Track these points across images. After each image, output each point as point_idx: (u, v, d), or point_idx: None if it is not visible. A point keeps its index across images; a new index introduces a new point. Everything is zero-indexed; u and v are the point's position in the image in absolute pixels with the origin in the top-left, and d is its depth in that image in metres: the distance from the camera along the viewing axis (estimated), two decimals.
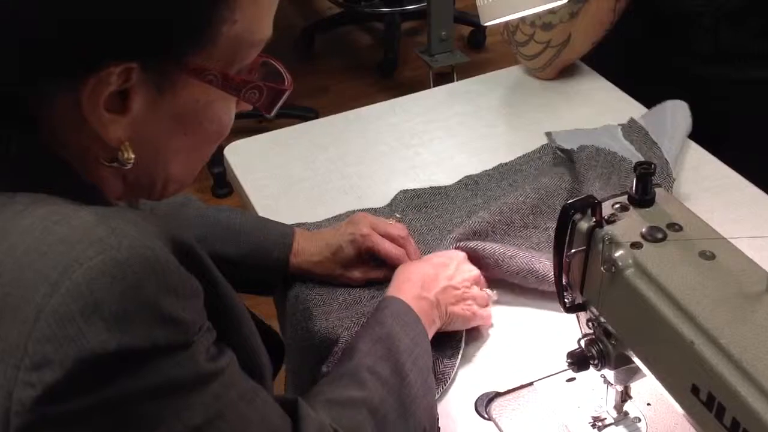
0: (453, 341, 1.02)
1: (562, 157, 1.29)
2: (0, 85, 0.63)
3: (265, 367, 0.76)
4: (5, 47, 0.61)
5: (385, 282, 1.05)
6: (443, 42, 3.17)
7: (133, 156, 0.67)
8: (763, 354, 0.63)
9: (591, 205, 0.76)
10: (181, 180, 0.74)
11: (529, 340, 1.04)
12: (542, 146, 1.35)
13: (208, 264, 0.68)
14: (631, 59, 1.56)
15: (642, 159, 1.25)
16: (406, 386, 0.84)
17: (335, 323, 1.04)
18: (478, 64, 3.26)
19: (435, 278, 0.99)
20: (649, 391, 0.94)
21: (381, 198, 1.30)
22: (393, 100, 1.55)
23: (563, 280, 0.81)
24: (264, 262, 1.08)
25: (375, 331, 0.89)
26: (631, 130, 1.34)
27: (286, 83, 0.71)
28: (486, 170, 1.31)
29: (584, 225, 0.78)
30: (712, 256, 0.72)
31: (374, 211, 1.24)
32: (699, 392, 0.67)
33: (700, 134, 1.35)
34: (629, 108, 1.47)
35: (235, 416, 0.64)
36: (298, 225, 1.17)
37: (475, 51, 3.53)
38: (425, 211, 1.23)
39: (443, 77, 3.12)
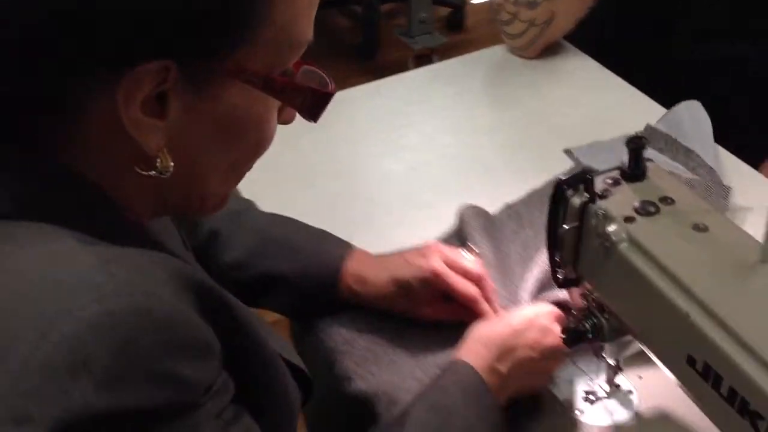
0: None
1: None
2: (30, 89, 0.59)
3: (294, 405, 0.72)
4: (33, 47, 0.56)
5: (452, 328, 0.97)
6: (423, 24, 3.17)
7: (172, 164, 0.62)
8: (759, 323, 0.64)
9: (584, 181, 0.77)
10: (218, 196, 0.69)
11: None
12: (571, 168, 1.28)
13: (230, 303, 0.63)
14: (613, 37, 1.56)
15: (691, 174, 1.21)
16: None
17: (375, 387, 0.94)
18: (458, 45, 3.26)
19: (513, 348, 0.88)
20: (641, 364, 0.95)
21: (372, 180, 1.30)
22: (376, 82, 1.54)
23: (556, 256, 0.81)
24: (315, 282, 0.99)
25: (435, 398, 0.82)
26: (654, 137, 1.29)
27: (329, 87, 0.66)
28: (521, 197, 1.22)
29: (577, 201, 0.78)
30: (705, 229, 0.73)
31: (447, 239, 1.14)
32: (695, 363, 0.67)
33: None
34: (613, 85, 1.48)
35: None
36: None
37: (454, 32, 3.53)
38: (488, 235, 1.12)
39: (423, 59, 3.13)
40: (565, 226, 0.79)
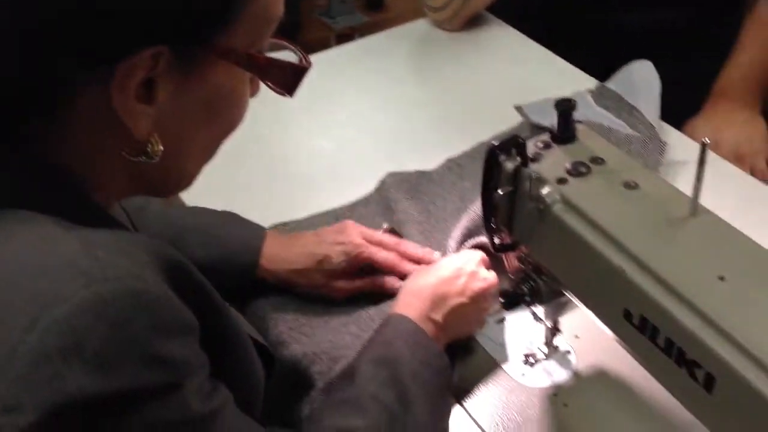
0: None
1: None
2: (20, 80, 0.59)
3: (261, 382, 0.74)
4: (29, 38, 0.57)
5: (370, 296, 1.01)
6: (343, 3, 3.16)
7: (161, 148, 0.63)
8: (692, 274, 0.66)
9: (516, 145, 0.77)
10: (192, 175, 0.71)
11: None
12: (520, 123, 1.32)
13: (204, 285, 0.64)
14: (536, 8, 1.58)
15: (630, 130, 1.25)
16: (411, 414, 0.79)
17: (313, 347, 0.96)
18: (380, 24, 3.25)
19: (445, 296, 0.90)
20: (577, 324, 0.97)
21: (301, 159, 1.29)
22: None
23: (492, 222, 0.82)
24: (231, 268, 0.99)
25: (380, 351, 0.84)
26: (603, 96, 1.34)
27: (304, 61, 0.68)
28: (465, 151, 1.26)
29: (510, 165, 0.79)
30: (636, 186, 0.74)
31: (366, 204, 1.18)
32: (631, 317, 0.69)
33: None
34: (538, 56, 1.50)
35: None
36: (278, 225, 1.12)
37: (374, 12, 3.51)
38: (417, 197, 1.17)
39: (345, 39, 3.11)
40: (499, 191, 0.80)
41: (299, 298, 1.04)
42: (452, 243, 1.04)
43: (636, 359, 0.72)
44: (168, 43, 0.59)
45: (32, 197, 0.59)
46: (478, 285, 0.92)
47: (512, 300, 0.84)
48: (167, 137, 0.64)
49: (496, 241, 0.83)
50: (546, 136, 0.80)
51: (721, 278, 0.65)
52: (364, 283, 1.03)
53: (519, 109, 1.35)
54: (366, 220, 1.14)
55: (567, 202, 0.75)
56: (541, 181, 0.76)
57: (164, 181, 0.69)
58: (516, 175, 0.78)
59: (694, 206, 0.70)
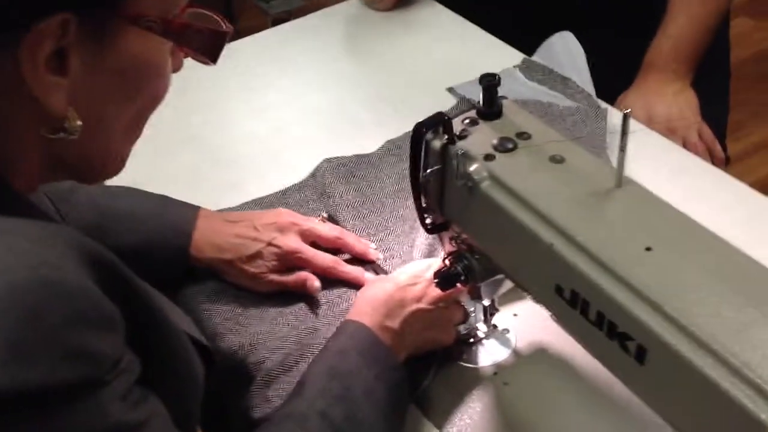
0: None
1: None
2: None
3: (199, 379, 0.71)
4: None
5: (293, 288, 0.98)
6: None
7: (80, 123, 0.60)
8: (619, 246, 0.65)
9: (442, 122, 0.76)
10: (118, 156, 0.68)
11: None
12: (457, 103, 1.30)
13: (132, 280, 0.61)
14: None
15: (569, 101, 1.24)
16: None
17: (248, 337, 0.94)
18: (316, 7, 3.21)
19: (401, 302, 0.87)
20: (514, 303, 0.96)
21: (237, 143, 1.27)
22: (232, 44, 1.48)
23: (423, 202, 0.80)
24: (161, 254, 0.95)
25: (333, 362, 0.81)
26: (531, 69, 1.33)
27: (223, 26, 0.65)
28: (406, 132, 1.22)
29: (437, 143, 0.77)
30: (562, 160, 0.73)
31: (300, 189, 1.15)
32: (563, 292, 0.68)
33: None
34: (469, 34, 1.48)
35: None
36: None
37: None
38: (354, 181, 1.15)
39: (282, 23, 3.07)
40: (427, 170, 0.78)
41: (234, 286, 1.01)
42: (416, 252, 1.02)
43: (569, 334, 0.71)
44: (73, 9, 0.56)
45: None
46: (436, 291, 0.88)
47: (447, 279, 0.82)
48: (85, 112, 0.61)
49: (428, 221, 0.82)
50: (472, 113, 0.79)
51: (648, 249, 0.64)
52: (293, 281, 0.99)
53: (452, 90, 1.34)
54: (300, 207, 1.12)
55: (495, 179, 0.73)
56: (468, 158, 0.75)
57: (88, 163, 0.66)
58: (443, 153, 0.77)
59: (620, 178, 0.69)
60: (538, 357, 0.93)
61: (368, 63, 1.43)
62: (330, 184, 1.14)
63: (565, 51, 1.35)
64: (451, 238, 0.83)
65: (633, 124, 1.19)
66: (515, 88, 1.31)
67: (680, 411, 0.62)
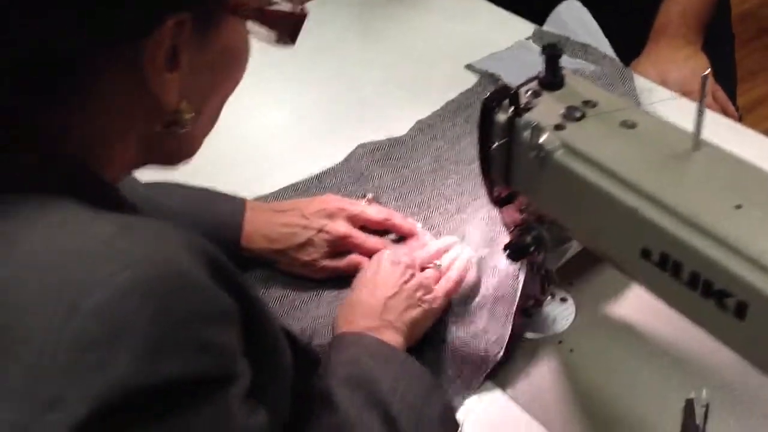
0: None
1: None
2: (40, 63, 0.55)
3: (290, 373, 0.71)
4: (61, 17, 0.54)
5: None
6: None
7: (192, 115, 0.62)
8: (708, 205, 0.65)
9: (508, 96, 0.76)
10: (199, 143, 0.69)
11: None
12: (479, 79, 1.30)
13: (238, 275, 0.61)
14: None
15: (593, 66, 1.25)
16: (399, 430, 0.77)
17: (309, 322, 0.96)
18: None
19: (395, 296, 0.89)
20: (569, 272, 0.97)
21: (259, 133, 1.26)
22: None
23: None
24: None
25: (348, 371, 0.80)
26: (545, 40, 1.32)
27: (300, 10, 0.66)
28: (435, 111, 1.25)
29: (502, 117, 0.77)
30: (634, 125, 0.74)
31: (335, 174, 1.15)
32: (650, 255, 0.68)
33: None
34: (477, 8, 1.48)
35: None
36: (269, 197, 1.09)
37: None
38: (390, 164, 1.15)
39: None
40: (493, 144, 0.78)
41: (283, 272, 1.01)
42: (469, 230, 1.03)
43: (657, 296, 0.72)
44: (191, 10, 0.57)
45: (47, 184, 0.56)
46: (425, 273, 0.92)
47: (518, 250, 0.83)
48: (192, 102, 0.63)
49: (495, 194, 0.82)
50: (534, 85, 0.79)
51: (738, 207, 0.65)
52: (345, 265, 1.00)
53: (470, 67, 1.34)
54: (338, 190, 1.12)
55: (568, 147, 0.74)
56: (538, 129, 0.75)
57: (179, 150, 0.68)
58: (510, 126, 0.77)
59: (697, 140, 0.70)
60: (599, 322, 0.94)
61: (382, 46, 1.42)
62: (367, 167, 1.14)
63: (574, 18, 1.36)
64: (519, 210, 0.83)
65: (664, 92, 1.21)
66: (532, 60, 1.31)
67: None
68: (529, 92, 0.79)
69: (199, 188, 1.01)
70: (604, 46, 1.29)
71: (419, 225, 1.04)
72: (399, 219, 1.03)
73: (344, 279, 0.99)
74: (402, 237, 1.04)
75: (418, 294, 0.91)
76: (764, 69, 2.64)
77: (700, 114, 0.68)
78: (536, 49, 1.33)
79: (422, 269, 0.95)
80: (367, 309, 0.88)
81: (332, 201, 1.01)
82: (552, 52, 0.77)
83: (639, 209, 0.68)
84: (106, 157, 0.61)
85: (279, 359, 0.69)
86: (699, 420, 0.82)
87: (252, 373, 0.60)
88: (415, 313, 0.89)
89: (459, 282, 0.95)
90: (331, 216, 1.00)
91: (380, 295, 0.89)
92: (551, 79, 0.78)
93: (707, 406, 0.83)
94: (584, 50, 1.28)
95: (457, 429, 0.84)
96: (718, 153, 0.70)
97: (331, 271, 0.99)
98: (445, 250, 0.98)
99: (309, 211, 1.00)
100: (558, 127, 0.75)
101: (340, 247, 0.99)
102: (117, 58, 0.57)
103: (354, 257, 0.99)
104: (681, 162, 0.70)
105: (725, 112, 1.38)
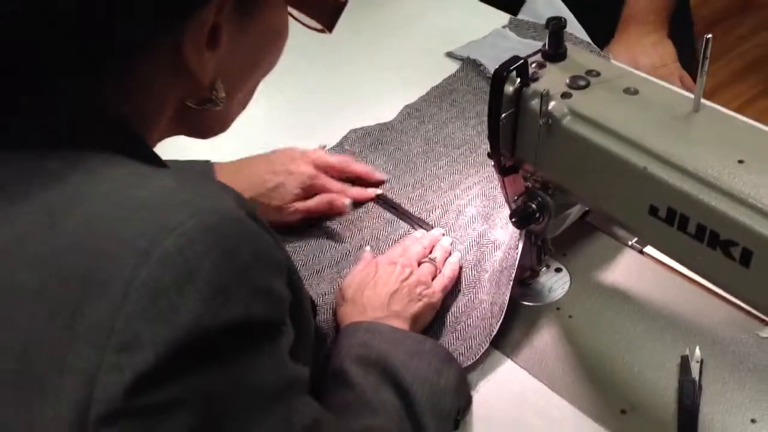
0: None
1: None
2: (98, 33, 0.56)
3: (313, 332, 0.73)
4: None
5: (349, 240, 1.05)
6: None
7: (224, 95, 0.63)
8: (712, 161, 0.70)
9: (518, 67, 0.79)
10: (233, 119, 0.70)
11: None
12: (462, 65, 1.35)
13: (273, 233, 0.62)
14: None
15: None
16: (413, 404, 0.79)
17: (317, 300, 0.98)
18: None
19: (398, 292, 0.92)
20: (562, 243, 1.01)
21: (251, 122, 1.26)
22: None
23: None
24: None
25: (360, 352, 0.82)
26: (521, 27, 1.38)
27: None
28: (421, 96, 1.29)
29: (510, 87, 0.81)
30: (636, 92, 0.78)
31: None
32: (657, 211, 0.73)
33: None
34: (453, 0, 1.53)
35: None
36: None
37: None
38: (382, 148, 1.20)
39: None
40: (501, 115, 0.82)
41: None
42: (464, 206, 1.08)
43: (665, 252, 0.76)
44: None
45: (106, 143, 0.57)
46: (423, 269, 0.96)
47: (523, 217, 0.86)
48: (228, 81, 0.64)
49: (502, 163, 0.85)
50: (538, 57, 0.83)
51: (741, 161, 0.70)
52: (315, 204, 1.06)
53: (451, 54, 1.39)
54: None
55: (575, 114, 0.78)
56: (546, 98, 0.79)
57: (212, 123, 0.69)
58: (518, 97, 0.81)
59: (698, 102, 0.75)
60: (595, 289, 0.99)
61: (367, 37, 1.46)
62: (360, 151, 1.18)
63: (548, 6, 1.41)
64: (523, 178, 0.87)
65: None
66: (510, 46, 1.36)
67: None
68: (534, 64, 0.83)
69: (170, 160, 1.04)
70: (578, 31, 1.34)
71: (439, 230, 1.07)
72: (357, 165, 1.12)
73: (341, 252, 1.04)
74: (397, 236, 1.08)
75: (418, 289, 0.94)
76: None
77: (700, 77, 0.73)
78: (513, 36, 1.39)
79: (418, 264, 0.98)
80: (375, 302, 0.91)
81: (295, 150, 1.08)
82: (557, 25, 0.81)
83: (647, 167, 0.72)
84: (147, 123, 0.63)
85: (308, 323, 0.71)
86: (695, 375, 0.87)
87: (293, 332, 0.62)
88: (417, 306, 0.92)
89: (453, 278, 0.99)
90: (294, 160, 1.06)
91: (384, 291, 0.92)
92: (555, 52, 0.82)
93: (701, 362, 0.88)
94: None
95: (471, 399, 0.88)
96: (718, 114, 0.75)
97: (304, 212, 1.05)
98: (435, 243, 1.02)
99: (273, 158, 1.06)
100: (564, 95, 0.79)
101: (309, 188, 1.05)
102: (162, 35, 0.58)
103: (324, 195, 1.05)
104: (684, 123, 0.75)
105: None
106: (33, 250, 0.53)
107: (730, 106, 2.53)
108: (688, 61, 1.58)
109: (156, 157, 0.62)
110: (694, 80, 1.49)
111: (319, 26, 0.68)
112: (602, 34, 1.50)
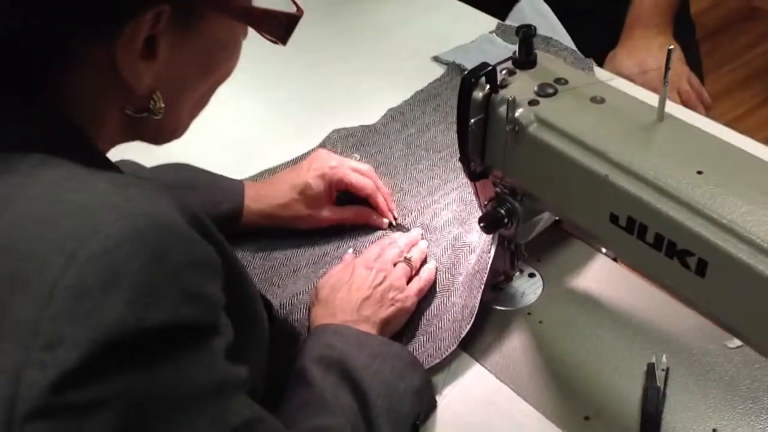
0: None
1: None
2: (30, 40, 0.58)
3: (266, 333, 0.74)
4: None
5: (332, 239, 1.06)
6: None
7: (163, 105, 0.64)
8: (671, 172, 0.70)
9: (486, 73, 0.80)
10: (186, 125, 0.72)
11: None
12: (447, 69, 1.36)
13: (219, 236, 0.64)
14: None
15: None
16: (368, 406, 0.80)
17: (288, 297, 1.00)
18: None
19: (369, 298, 0.93)
20: (536, 249, 1.02)
21: (234, 127, 1.29)
22: None
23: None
24: (218, 215, 1.00)
25: (325, 353, 0.83)
26: (508, 33, 1.40)
27: (297, 10, 0.68)
28: (405, 100, 1.30)
29: (479, 93, 0.82)
30: (602, 100, 0.79)
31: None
32: (618, 220, 0.73)
33: None
34: (441, 3, 1.53)
35: None
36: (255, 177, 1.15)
37: None
38: (363, 149, 1.21)
39: None
40: (470, 120, 0.83)
41: (261, 250, 1.06)
42: (439, 209, 1.09)
43: (624, 259, 0.77)
44: (171, 2, 0.59)
45: (46, 145, 0.59)
46: (397, 273, 0.96)
47: (491, 222, 0.87)
48: (166, 91, 0.65)
49: (472, 169, 0.86)
50: (508, 64, 0.84)
51: (700, 173, 0.70)
52: (350, 214, 1.07)
53: (437, 59, 1.40)
54: None
55: (542, 121, 0.79)
56: (514, 105, 0.79)
57: (160, 131, 0.70)
58: (487, 103, 0.82)
59: (662, 112, 0.75)
60: (567, 295, 0.99)
61: (353, 40, 1.47)
62: (342, 152, 1.18)
63: (535, 13, 1.42)
64: (493, 183, 0.87)
65: (623, 81, 1.27)
66: (497, 52, 1.37)
67: (741, 316, 0.68)
68: (504, 71, 0.83)
69: (197, 168, 1.07)
70: (563, 37, 1.35)
71: (418, 230, 1.08)
72: (380, 183, 1.09)
73: (321, 255, 1.04)
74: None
75: (390, 295, 0.94)
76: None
77: (664, 85, 0.73)
78: (500, 42, 1.40)
79: (394, 264, 0.99)
80: (346, 306, 0.92)
81: (320, 151, 1.09)
82: (526, 32, 0.82)
83: (609, 176, 0.73)
84: (94, 127, 0.64)
85: (256, 323, 0.72)
86: (660, 382, 0.87)
87: (233, 333, 0.62)
88: (388, 311, 0.93)
89: (429, 281, 0.99)
90: (318, 159, 1.07)
91: (356, 297, 0.93)
92: (525, 59, 0.83)
93: (667, 370, 0.89)
94: (546, 42, 1.34)
95: (435, 404, 0.88)
96: (681, 124, 0.76)
97: (337, 220, 1.07)
98: (413, 244, 1.03)
99: (300, 164, 1.08)
100: (532, 103, 0.80)
101: (331, 180, 1.06)
102: (93, 44, 0.59)
103: (363, 209, 1.07)
104: (647, 132, 0.75)
105: (700, 98, 1.45)
106: None
107: (733, 114, 2.54)
108: (691, 64, 1.58)
109: (103, 159, 0.63)
110: (703, 82, 1.50)
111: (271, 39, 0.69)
112: (594, 40, 1.51)
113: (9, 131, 0.59)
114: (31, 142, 0.58)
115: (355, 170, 1.07)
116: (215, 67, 0.68)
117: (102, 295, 0.51)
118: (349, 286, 0.94)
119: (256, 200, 1.04)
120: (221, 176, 1.06)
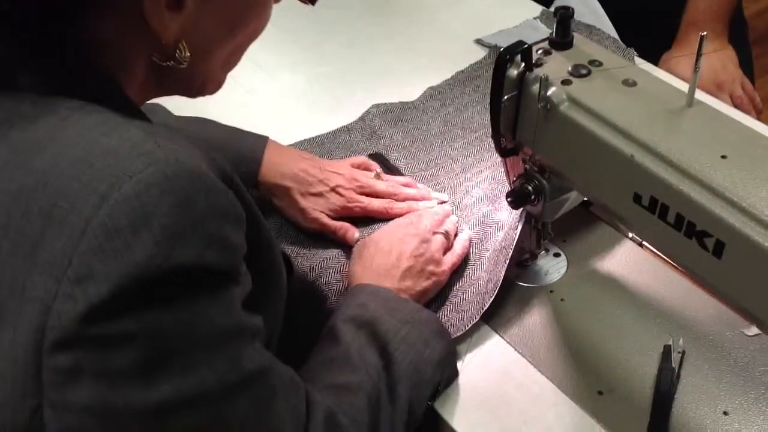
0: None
1: None
2: None
3: (285, 285, 0.76)
4: None
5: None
6: None
7: (189, 54, 0.66)
8: (696, 155, 0.72)
9: (522, 51, 0.82)
10: (219, 80, 0.74)
11: None
12: (488, 52, 1.38)
13: (242, 188, 0.66)
14: None
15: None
16: (393, 369, 0.82)
17: (318, 261, 1.02)
18: None
19: (412, 268, 0.95)
20: (563, 230, 1.04)
21: (277, 98, 1.33)
22: None
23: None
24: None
25: (355, 313, 0.86)
26: (552, 20, 1.39)
27: None
28: (445, 79, 1.32)
29: (514, 71, 0.84)
30: (634, 84, 0.81)
31: (348, 131, 1.23)
32: (641, 199, 0.75)
33: None
34: None
35: (264, 385, 0.63)
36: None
37: None
38: (402, 125, 1.23)
39: None
40: (504, 97, 0.85)
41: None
42: (472, 188, 1.10)
43: (644, 238, 0.79)
44: None
45: (81, 93, 0.62)
46: (436, 244, 0.98)
47: (519, 198, 0.89)
48: (194, 44, 0.67)
49: (502, 145, 0.89)
50: (545, 44, 0.86)
51: (724, 157, 0.72)
52: (338, 227, 1.05)
53: (480, 42, 1.42)
54: (349, 147, 1.19)
55: (573, 101, 0.81)
56: (547, 83, 0.82)
57: (191, 83, 0.72)
58: (521, 81, 0.84)
59: (691, 97, 0.77)
60: (590, 275, 1.01)
61: (398, 21, 1.49)
62: (380, 127, 1.21)
63: (580, 2, 1.43)
64: (522, 161, 0.90)
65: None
66: (538, 38, 1.38)
67: (755, 298, 0.70)
68: (540, 51, 0.86)
69: (226, 125, 1.08)
70: (607, 27, 1.36)
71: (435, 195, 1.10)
72: (406, 190, 1.10)
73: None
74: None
75: (429, 267, 0.97)
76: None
77: (695, 72, 0.75)
78: (543, 28, 1.42)
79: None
80: (390, 271, 0.94)
81: (350, 171, 1.08)
82: (564, 14, 0.84)
83: (634, 156, 0.75)
84: (124, 75, 0.66)
85: (275, 278, 0.74)
86: (675, 364, 0.89)
87: (252, 284, 0.66)
88: (426, 284, 0.96)
89: (463, 255, 1.02)
90: (343, 181, 1.07)
91: (400, 264, 0.95)
92: (561, 39, 0.85)
93: (683, 353, 0.91)
94: (589, 31, 1.36)
95: (456, 374, 0.91)
96: (710, 110, 0.77)
97: (321, 225, 1.05)
98: (447, 215, 1.05)
99: (328, 167, 1.07)
100: (565, 82, 0.82)
101: (346, 210, 1.06)
102: None
103: (345, 224, 1.05)
104: (675, 116, 0.77)
105: (752, 102, 1.46)
106: (2, 186, 0.58)
107: None
108: (744, 64, 1.58)
109: (135, 108, 0.66)
110: (754, 84, 1.50)
111: None
112: (637, 33, 1.51)
113: (46, 76, 0.62)
114: (68, 88, 0.61)
115: (374, 194, 1.07)
116: (243, 23, 0.70)
117: (132, 234, 0.54)
118: (397, 252, 0.96)
119: (267, 172, 1.04)
120: (244, 135, 1.06)
